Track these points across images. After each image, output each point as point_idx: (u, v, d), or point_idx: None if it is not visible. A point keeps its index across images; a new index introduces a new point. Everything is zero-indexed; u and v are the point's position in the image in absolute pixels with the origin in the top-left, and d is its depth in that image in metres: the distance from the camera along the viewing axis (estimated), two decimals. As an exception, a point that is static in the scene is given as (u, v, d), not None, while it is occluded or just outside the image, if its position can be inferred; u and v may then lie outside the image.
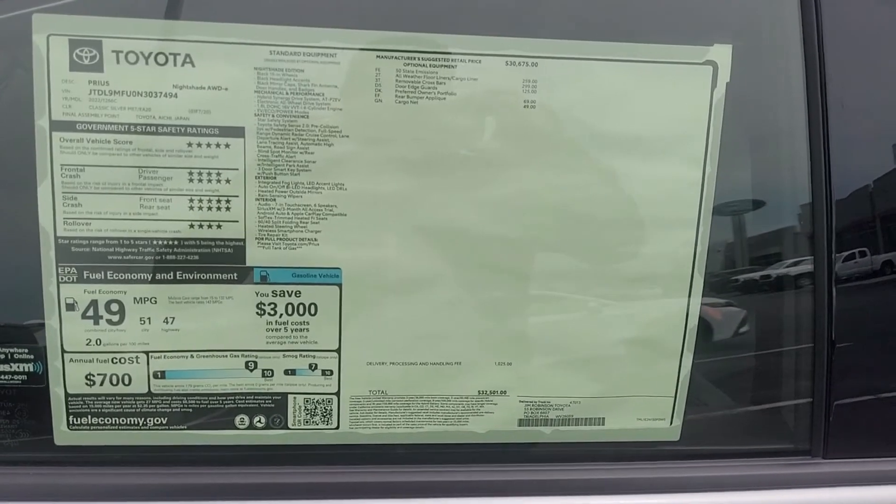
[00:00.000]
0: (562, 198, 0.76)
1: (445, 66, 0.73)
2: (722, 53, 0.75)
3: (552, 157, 0.75)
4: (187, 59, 0.70)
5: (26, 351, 0.74)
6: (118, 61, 0.69)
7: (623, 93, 0.74)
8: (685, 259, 0.78)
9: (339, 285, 0.76)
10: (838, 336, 0.79)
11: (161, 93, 0.70)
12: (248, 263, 0.75)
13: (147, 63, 0.69)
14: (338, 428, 0.79)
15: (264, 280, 0.75)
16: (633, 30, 0.74)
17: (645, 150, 0.75)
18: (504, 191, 0.75)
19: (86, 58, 0.69)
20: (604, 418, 0.81)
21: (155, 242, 0.73)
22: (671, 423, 0.82)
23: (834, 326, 0.79)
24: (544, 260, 0.77)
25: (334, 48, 0.71)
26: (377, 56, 0.72)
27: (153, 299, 0.74)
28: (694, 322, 0.79)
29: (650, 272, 0.78)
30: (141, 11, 0.70)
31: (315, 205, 0.74)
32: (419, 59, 0.72)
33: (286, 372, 0.77)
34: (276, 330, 0.76)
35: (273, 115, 0.72)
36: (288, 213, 0.74)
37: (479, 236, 0.76)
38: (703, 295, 0.79)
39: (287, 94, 0.72)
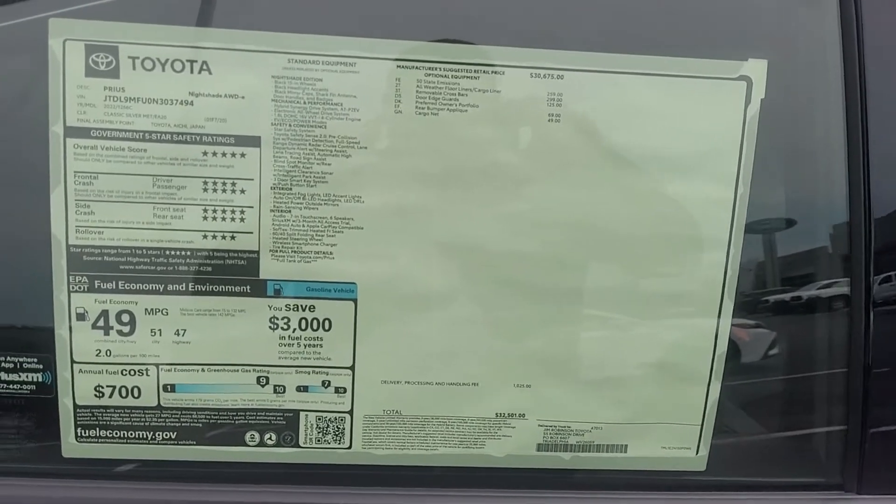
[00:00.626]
0: (586, 214, 0.75)
1: (468, 77, 0.72)
2: (757, 69, 0.73)
3: (577, 173, 0.74)
4: (204, 67, 0.69)
5: (35, 360, 0.74)
6: (134, 67, 0.69)
7: (652, 108, 0.73)
8: (714, 281, 0.76)
9: (355, 300, 0.75)
10: (875, 361, 0.77)
11: (177, 100, 0.70)
12: (262, 276, 0.74)
13: (164, 70, 0.69)
14: (350, 447, 0.78)
15: (278, 294, 0.74)
16: (664, 43, 0.72)
17: (674, 167, 0.74)
18: (526, 206, 0.74)
19: (102, 63, 0.69)
20: (626, 445, 0.79)
21: (167, 253, 0.73)
22: (697, 453, 0.80)
23: (871, 350, 0.77)
24: (566, 278, 0.76)
25: (354, 57, 0.70)
26: (398, 66, 0.71)
27: (164, 311, 0.73)
28: (723, 347, 0.77)
29: (677, 293, 0.76)
30: (158, 17, 0.69)
31: (331, 217, 0.73)
32: (441, 69, 0.71)
33: (298, 388, 0.76)
34: (289, 345, 0.75)
35: (290, 125, 0.71)
36: (303, 226, 0.73)
37: (499, 252, 0.75)
38: (734, 317, 0.76)
39: (305, 103, 0.71)
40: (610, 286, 0.76)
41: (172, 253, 0.73)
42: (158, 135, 0.70)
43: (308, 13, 0.71)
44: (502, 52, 0.72)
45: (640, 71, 0.73)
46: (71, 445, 0.76)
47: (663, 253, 0.75)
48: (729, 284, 0.76)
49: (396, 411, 0.77)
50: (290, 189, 0.73)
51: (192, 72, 0.70)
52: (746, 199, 0.75)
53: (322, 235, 0.74)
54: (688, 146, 0.74)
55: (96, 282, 0.73)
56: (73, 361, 0.74)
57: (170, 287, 0.74)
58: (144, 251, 0.72)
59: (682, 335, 0.77)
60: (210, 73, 0.70)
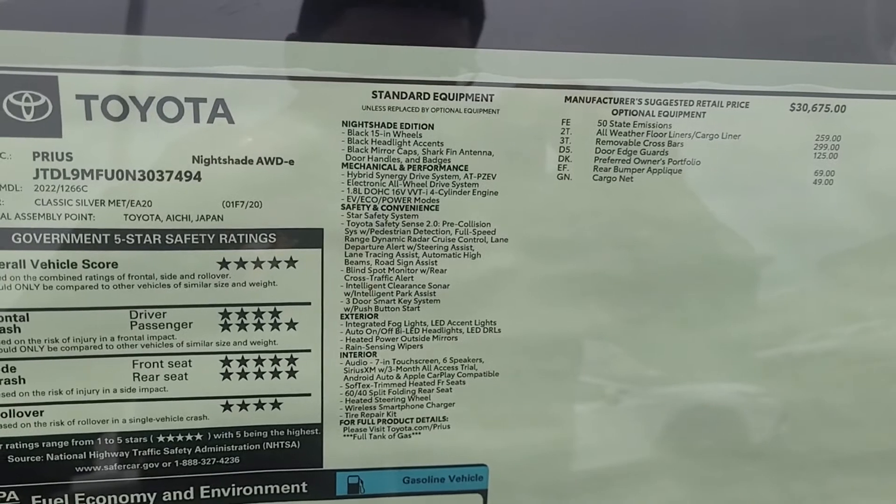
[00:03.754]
0: (866, 337, 0.49)
1: (685, 113, 0.44)
2: None
3: (855, 269, 0.48)
4: (220, 110, 0.41)
5: None
6: (89, 115, 0.40)
7: None
8: None
9: (483, 493, 0.48)
10: None
11: (171, 172, 0.41)
12: (328, 465, 0.47)
13: (144, 117, 0.40)
14: None
15: (355, 492, 0.48)
16: None
17: None
18: (765, 326, 0.49)
19: (28, 110, 0.39)
20: None
21: (163, 440, 0.45)
22: None
23: None
24: (831, 438, 0.50)
25: (487, 85, 0.43)
26: (565, 98, 0.43)
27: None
28: None
29: None
30: (130, 24, 0.40)
31: (446, 360, 0.46)
32: (640, 101, 0.44)
33: None
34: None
35: (375, 207, 0.43)
36: (398, 377, 0.46)
37: (732, 406, 0.49)
38: None
39: (401, 167, 0.43)
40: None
41: (171, 439, 0.45)
42: (137, 236, 0.42)
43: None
44: (745, 67, 0.45)
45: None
46: None
47: None
48: None
49: None
50: (375, 315, 0.45)
51: (197, 119, 0.41)
52: None
53: (430, 390, 0.47)
54: None
55: (33, 500, 0.44)
56: None
57: (167, 497, 0.46)
58: (121, 441, 0.44)
59: None
60: (231, 120, 0.41)
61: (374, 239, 0.45)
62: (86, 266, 0.42)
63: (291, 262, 0.44)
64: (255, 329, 0.45)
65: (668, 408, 0.50)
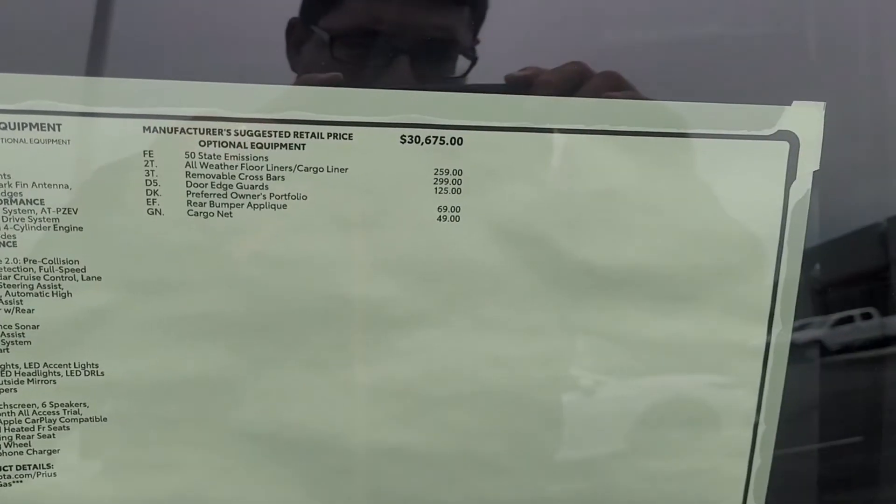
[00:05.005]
0: (511, 381, 0.47)
1: (282, 144, 0.42)
2: (806, 118, 0.46)
3: (493, 310, 0.46)
4: None
5: None
6: None
7: (629, 192, 0.45)
8: (733, 486, 0.49)
9: (102, 544, 0.47)
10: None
11: None
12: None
13: None
14: None
15: (-50, 545, 0.46)
16: (644, 79, 0.44)
17: (664, 295, 0.47)
18: (403, 370, 0.47)
19: None
20: None
21: None
22: None
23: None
24: (483, 486, 0.48)
25: (56, 114, 0.40)
26: (144, 128, 0.41)
27: None
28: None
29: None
30: None
31: (45, 404, 0.44)
32: (232, 133, 0.42)
33: None
34: None
35: (-56, 245, 0.41)
36: (-9, 422, 0.44)
37: (360, 448, 0.47)
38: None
39: (-32, 203, 0.41)
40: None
41: None
42: None
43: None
44: (347, 97, 0.43)
45: (597, 126, 0.44)
46: None
47: (653, 446, 0.49)
48: (755, 487, 0.50)
49: None
50: (-40, 359, 0.43)
51: None
52: (787, 343, 0.48)
53: (29, 436, 0.45)
54: (690, 258, 0.47)
55: None
56: None
57: None
58: None
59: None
60: None
61: (-51, 277, 0.43)
62: None
63: None
64: None
65: (300, 454, 0.48)
